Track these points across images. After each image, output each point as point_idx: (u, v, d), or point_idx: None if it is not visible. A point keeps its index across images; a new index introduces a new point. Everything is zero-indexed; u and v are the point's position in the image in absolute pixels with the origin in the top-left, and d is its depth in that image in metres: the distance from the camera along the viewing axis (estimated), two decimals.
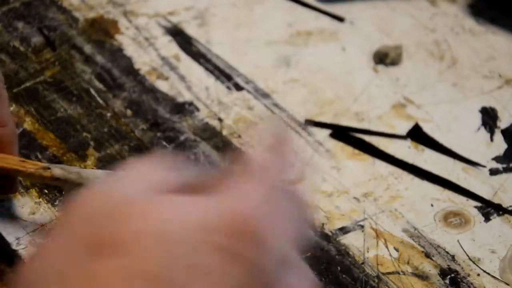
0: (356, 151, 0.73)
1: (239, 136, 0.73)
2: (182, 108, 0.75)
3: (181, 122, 0.74)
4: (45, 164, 0.62)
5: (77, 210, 0.42)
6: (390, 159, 0.72)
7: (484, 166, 0.72)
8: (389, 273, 0.65)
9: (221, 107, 0.75)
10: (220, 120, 0.74)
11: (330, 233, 0.67)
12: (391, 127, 0.75)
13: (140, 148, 0.71)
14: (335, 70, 0.80)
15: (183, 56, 0.80)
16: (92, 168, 0.65)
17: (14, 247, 0.63)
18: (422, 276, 0.65)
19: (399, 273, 0.65)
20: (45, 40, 0.79)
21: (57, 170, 0.61)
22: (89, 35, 0.80)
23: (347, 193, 0.70)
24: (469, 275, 0.65)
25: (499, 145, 0.74)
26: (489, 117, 0.76)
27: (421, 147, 0.74)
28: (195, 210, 0.41)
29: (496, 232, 0.68)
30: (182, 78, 0.78)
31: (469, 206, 0.69)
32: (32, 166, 0.62)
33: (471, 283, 0.64)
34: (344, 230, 0.67)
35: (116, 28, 0.81)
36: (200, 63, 0.79)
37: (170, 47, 0.80)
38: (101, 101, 0.75)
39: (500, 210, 0.69)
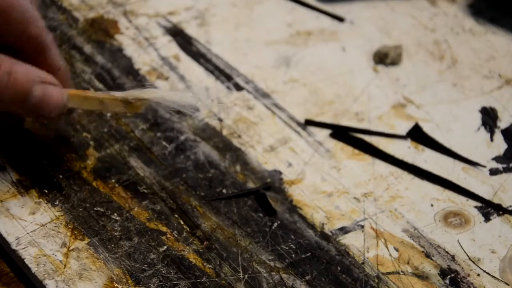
0: (356, 151, 0.73)
1: (239, 136, 0.73)
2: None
3: (181, 122, 0.74)
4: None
5: None
6: (390, 159, 0.72)
7: (484, 166, 0.72)
8: (389, 273, 0.65)
9: (221, 107, 0.75)
10: (220, 120, 0.74)
11: (330, 233, 0.67)
12: (391, 127, 0.75)
13: (140, 148, 0.71)
14: (335, 70, 0.80)
15: (183, 56, 0.80)
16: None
17: (14, 247, 0.63)
18: (422, 276, 0.65)
19: (399, 273, 0.65)
20: None
21: (116, 93, 0.66)
22: (89, 35, 0.80)
23: (347, 193, 0.70)
24: (469, 275, 0.65)
25: (499, 145, 0.74)
26: (489, 117, 0.76)
27: (421, 147, 0.74)
28: None
29: (496, 232, 0.68)
30: (182, 78, 0.78)
31: (469, 206, 0.69)
32: (91, 92, 0.67)
33: (471, 283, 0.64)
34: (344, 230, 0.67)
35: (116, 28, 0.82)
36: (200, 63, 0.79)
37: (170, 47, 0.80)
38: None
39: (500, 210, 0.69)
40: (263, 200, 0.68)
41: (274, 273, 0.64)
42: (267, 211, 0.68)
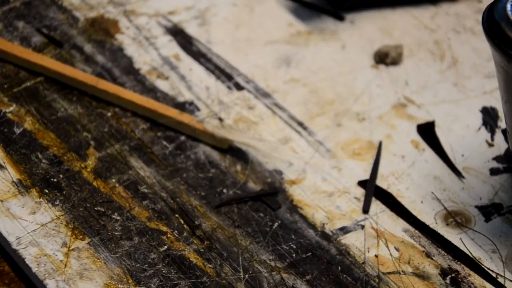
0: (357, 150, 0.73)
1: None
2: (183, 108, 0.75)
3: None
4: (199, 119, 0.72)
5: None
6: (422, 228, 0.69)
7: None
8: (390, 273, 0.65)
9: (221, 107, 0.75)
10: (220, 120, 0.74)
11: (330, 233, 0.67)
12: (392, 126, 0.75)
13: (140, 148, 0.71)
14: (335, 70, 0.80)
15: (184, 55, 0.80)
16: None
17: (14, 247, 0.63)
18: (422, 276, 0.65)
19: (399, 273, 0.65)
20: (48, 39, 0.79)
21: (208, 125, 0.71)
22: (89, 35, 0.80)
23: (348, 193, 0.70)
24: (469, 274, 0.65)
25: (500, 145, 0.74)
26: (489, 117, 0.76)
27: (421, 147, 0.74)
28: None
29: (496, 232, 0.68)
30: (182, 77, 0.78)
31: (469, 206, 0.69)
32: (187, 118, 0.72)
33: (472, 283, 0.64)
34: (344, 230, 0.67)
35: (117, 28, 0.81)
36: (200, 63, 0.79)
37: (170, 47, 0.80)
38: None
39: (500, 210, 0.69)
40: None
41: (274, 272, 0.64)
42: (271, 206, 0.68)
